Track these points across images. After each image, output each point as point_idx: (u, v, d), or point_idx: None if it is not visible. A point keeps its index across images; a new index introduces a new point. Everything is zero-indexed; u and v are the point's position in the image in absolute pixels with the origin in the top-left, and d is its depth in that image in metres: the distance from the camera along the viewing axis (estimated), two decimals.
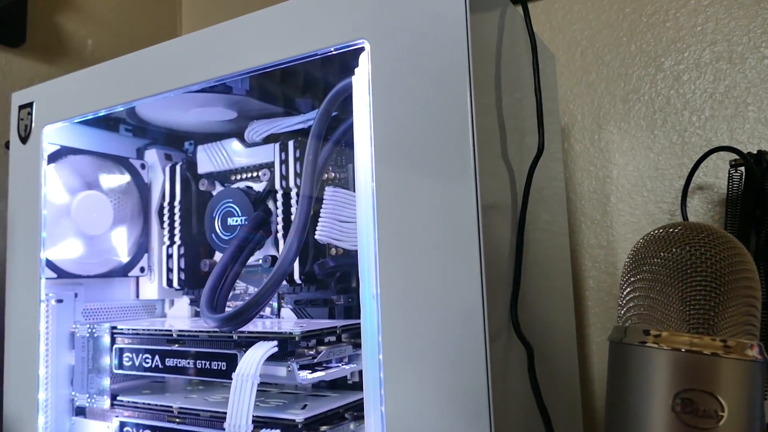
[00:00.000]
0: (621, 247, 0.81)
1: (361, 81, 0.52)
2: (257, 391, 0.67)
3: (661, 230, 0.42)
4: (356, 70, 0.52)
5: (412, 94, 0.48)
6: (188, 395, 0.73)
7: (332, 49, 0.51)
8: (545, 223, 0.65)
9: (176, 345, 0.68)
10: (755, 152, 0.66)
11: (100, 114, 0.72)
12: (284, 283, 0.74)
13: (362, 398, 0.51)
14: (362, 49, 0.51)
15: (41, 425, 0.71)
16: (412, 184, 0.47)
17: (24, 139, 0.74)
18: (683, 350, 0.38)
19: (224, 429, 0.56)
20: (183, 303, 0.88)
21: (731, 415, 0.37)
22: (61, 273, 0.76)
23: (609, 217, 0.83)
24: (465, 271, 0.45)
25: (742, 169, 0.67)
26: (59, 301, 0.77)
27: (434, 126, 0.47)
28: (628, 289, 0.43)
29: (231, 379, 0.59)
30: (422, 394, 0.46)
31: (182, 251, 0.83)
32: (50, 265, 0.74)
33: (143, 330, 0.72)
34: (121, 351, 0.72)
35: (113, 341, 0.73)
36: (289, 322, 0.76)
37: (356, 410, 0.68)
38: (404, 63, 0.48)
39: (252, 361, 0.55)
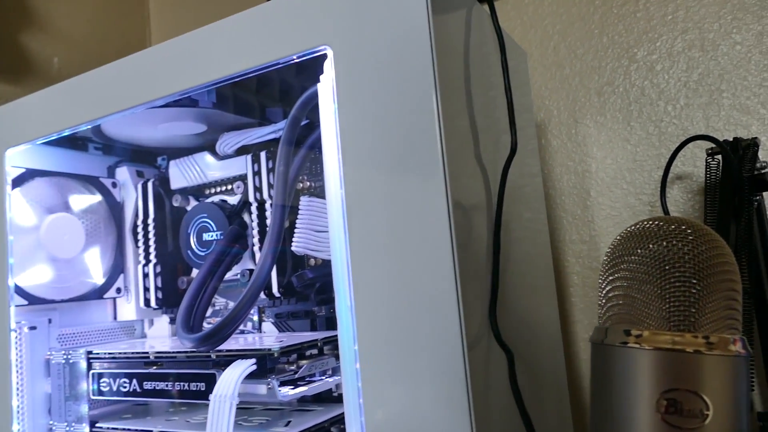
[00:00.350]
0: (603, 242, 0.81)
1: (326, 88, 0.50)
2: (240, 409, 0.65)
3: (636, 226, 0.41)
4: (321, 77, 0.51)
5: (377, 99, 0.47)
6: (170, 417, 0.71)
7: (294, 57, 0.50)
8: (526, 221, 0.64)
9: (154, 367, 0.66)
10: (731, 139, 0.66)
11: (65, 134, 0.71)
12: (264, 297, 0.72)
13: None
14: (325, 55, 0.49)
15: None
16: (381, 190, 0.46)
17: None
18: (665, 349, 0.37)
19: None
20: (163, 322, 0.86)
21: (717, 413, 0.36)
22: (32, 299, 0.74)
23: (590, 212, 0.82)
24: (439, 276, 0.43)
25: (719, 157, 0.66)
26: (32, 328, 0.74)
27: (401, 129, 0.46)
28: (608, 288, 0.42)
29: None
30: (402, 403, 0.44)
31: (158, 269, 0.81)
32: (20, 291, 0.72)
33: (120, 353, 0.70)
34: (98, 376, 0.70)
35: (89, 366, 0.71)
36: (270, 336, 0.74)
37: (342, 423, 0.66)
38: (368, 68, 0.47)
39: (230, 382, 0.54)
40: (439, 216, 0.44)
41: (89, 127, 0.71)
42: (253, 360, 0.57)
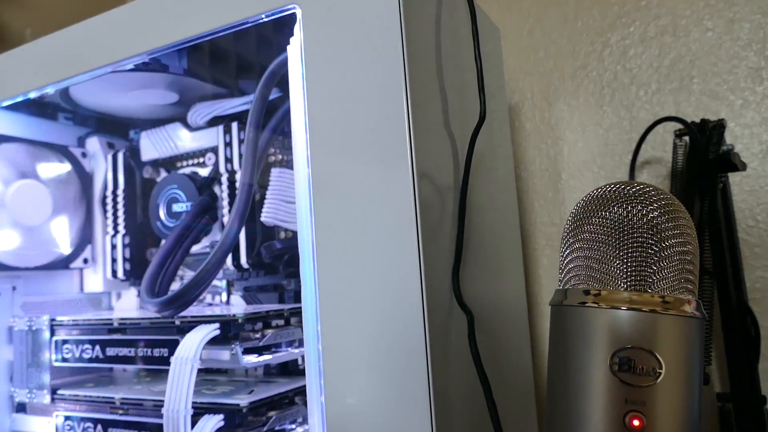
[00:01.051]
0: None
1: (295, 51, 0.50)
2: (205, 380, 0.65)
3: (598, 190, 0.41)
4: (291, 39, 0.51)
5: (345, 62, 0.46)
6: (133, 386, 0.71)
7: (263, 16, 0.50)
8: (497, 202, 0.64)
9: (118, 334, 0.65)
10: (698, 121, 0.67)
11: (31, 96, 0.69)
12: (233, 269, 0.72)
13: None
14: (295, 16, 0.49)
15: None
16: (347, 156, 0.46)
17: None
18: (622, 308, 0.38)
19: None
20: (131, 295, 0.85)
21: (669, 372, 0.37)
22: None
23: (561, 195, 0.83)
24: (402, 242, 0.43)
25: (687, 138, 0.67)
26: None
27: (368, 94, 0.45)
28: (567, 252, 0.42)
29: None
30: (364, 381, 0.44)
31: (127, 241, 0.80)
32: None
33: (83, 321, 0.69)
34: (61, 343, 0.69)
35: (52, 333, 0.70)
36: (238, 308, 0.74)
37: (305, 395, 0.66)
38: (337, 29, 0.47)
39: (192, 344, 0.53)
40: (404, 182, 0.44)
41: (56, 90, 0.70)
42: (217, 325, 0.56)
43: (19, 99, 0.69)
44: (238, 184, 0.71)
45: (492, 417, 0.45)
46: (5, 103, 0.70)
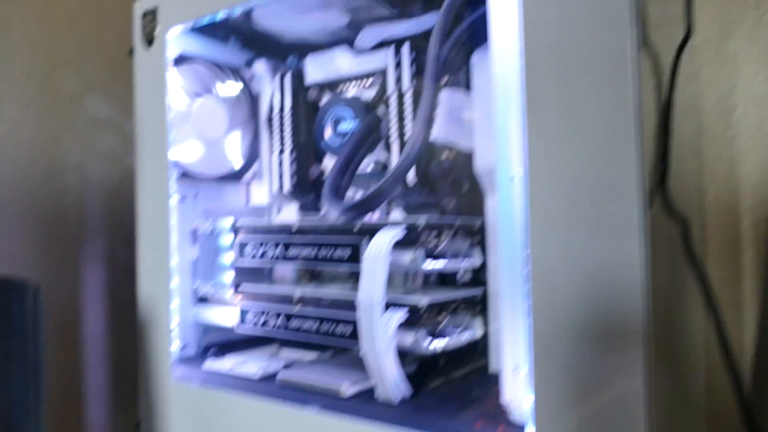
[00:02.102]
0: (743, 161, 0.78)
1: None
2: None
3: None
4: None
5: None
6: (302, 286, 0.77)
7: None
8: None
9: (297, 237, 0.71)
10: None
11: (218, 18, 0.75)
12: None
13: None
14: None
15: (174, 309, 0.76)
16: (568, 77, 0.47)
17: (148, 43, 0.77)
18: None
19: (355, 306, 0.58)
20: (291, 209, 0.91)
21: None
22: (184, 173, 0.80)
23: (732, 131, 0.80)
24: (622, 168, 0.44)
25: None
26: (182, 199, 0.81)
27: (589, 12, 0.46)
28: None
29: (354, 266, 0.62)
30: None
31: (292, 158, 0.86)
32: (175, 165, 0.79)
33: (264, 225, 0.75)
34: (242, 245, 0.76)
35: (235, 234, 0.77)
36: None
37: (473, 305, 0.70)
38: None
39: (382, 243, 0.58)
40: (624, 99, 0.44)
41: (243, 10, 0.75)
42: (403, 226, 0.60)
43: (206, 21, 0.74)
44: (407, 105, 0.74)
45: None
46: (195, 24, 0.76)
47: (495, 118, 0.52)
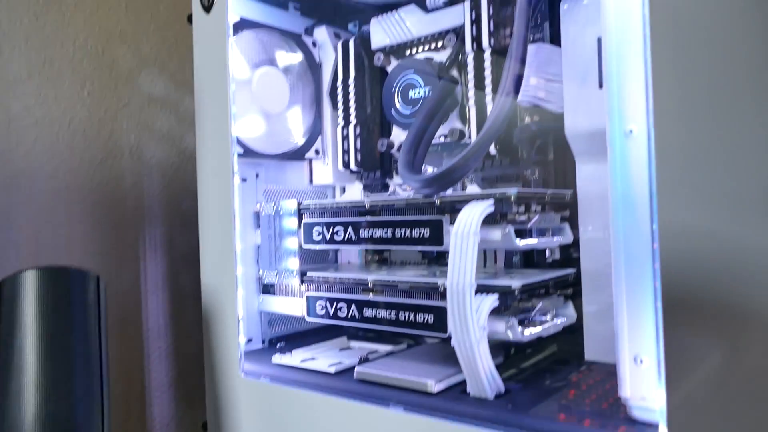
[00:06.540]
0: None
1: None
2: None
3: None
4: None
5: None
6: (374, 271, 0.71)
7: None
8: None
9: (368, 217, 0.65)
10: None
11: None
12: None
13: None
14: None
15: (240, 299, 0.71)
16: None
17: (207, 8, 0.72)
18: None
19: (445, 291, 0.51)
20: (355, 189, 0.85)
21: None
22: (246, 150, 0.75)
23: None
24: None
25: None
26: (243, 179, 0.76)
27: None
28: None
29: (435, 246, 0.55)
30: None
31: (358, 131, 0.79)
32: (237, 141, 0.73)
33: (331, 204, 0.69)
34: (309, 226, 0.70)
35: (300, 217, 0.72)
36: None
37: (565, 286, 0.62)
38: None
39: (471, 218, 0.50)
40: None
41: None
42: (492, 200, 0.53)
43: None
44: (487, 64, 0.66)
45: None
46: None
47: (608, 66, 0.44)
